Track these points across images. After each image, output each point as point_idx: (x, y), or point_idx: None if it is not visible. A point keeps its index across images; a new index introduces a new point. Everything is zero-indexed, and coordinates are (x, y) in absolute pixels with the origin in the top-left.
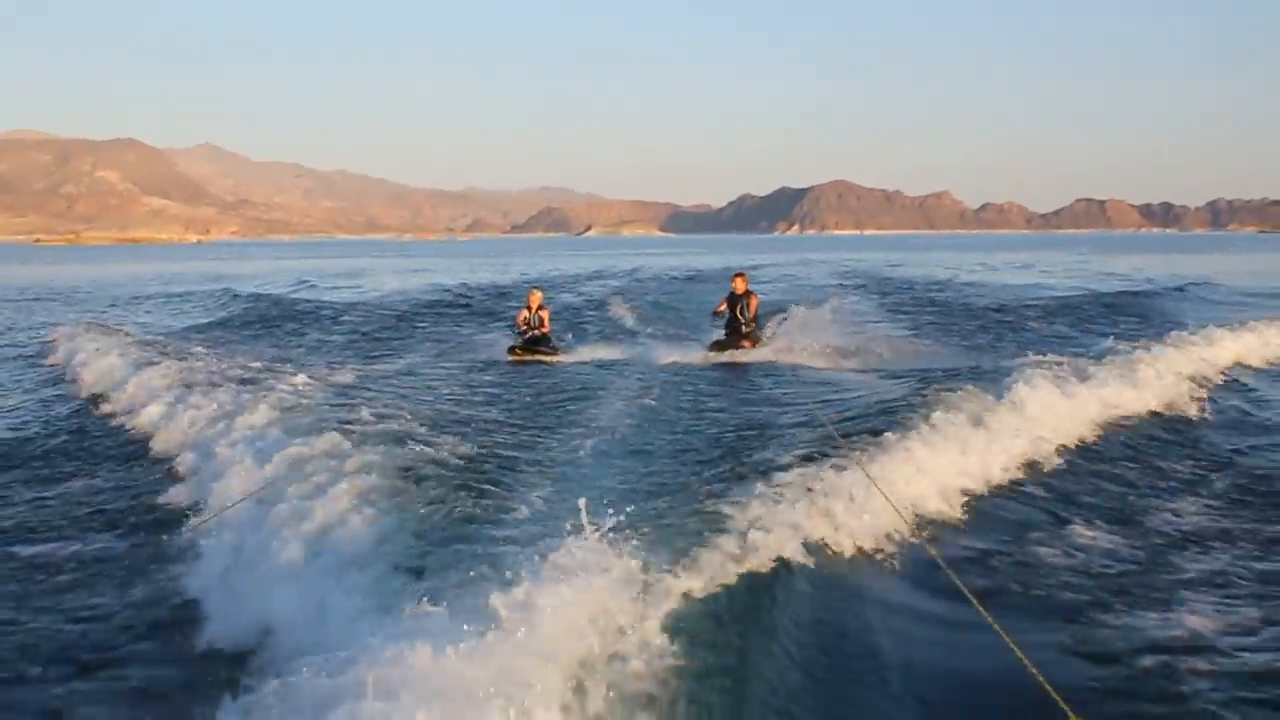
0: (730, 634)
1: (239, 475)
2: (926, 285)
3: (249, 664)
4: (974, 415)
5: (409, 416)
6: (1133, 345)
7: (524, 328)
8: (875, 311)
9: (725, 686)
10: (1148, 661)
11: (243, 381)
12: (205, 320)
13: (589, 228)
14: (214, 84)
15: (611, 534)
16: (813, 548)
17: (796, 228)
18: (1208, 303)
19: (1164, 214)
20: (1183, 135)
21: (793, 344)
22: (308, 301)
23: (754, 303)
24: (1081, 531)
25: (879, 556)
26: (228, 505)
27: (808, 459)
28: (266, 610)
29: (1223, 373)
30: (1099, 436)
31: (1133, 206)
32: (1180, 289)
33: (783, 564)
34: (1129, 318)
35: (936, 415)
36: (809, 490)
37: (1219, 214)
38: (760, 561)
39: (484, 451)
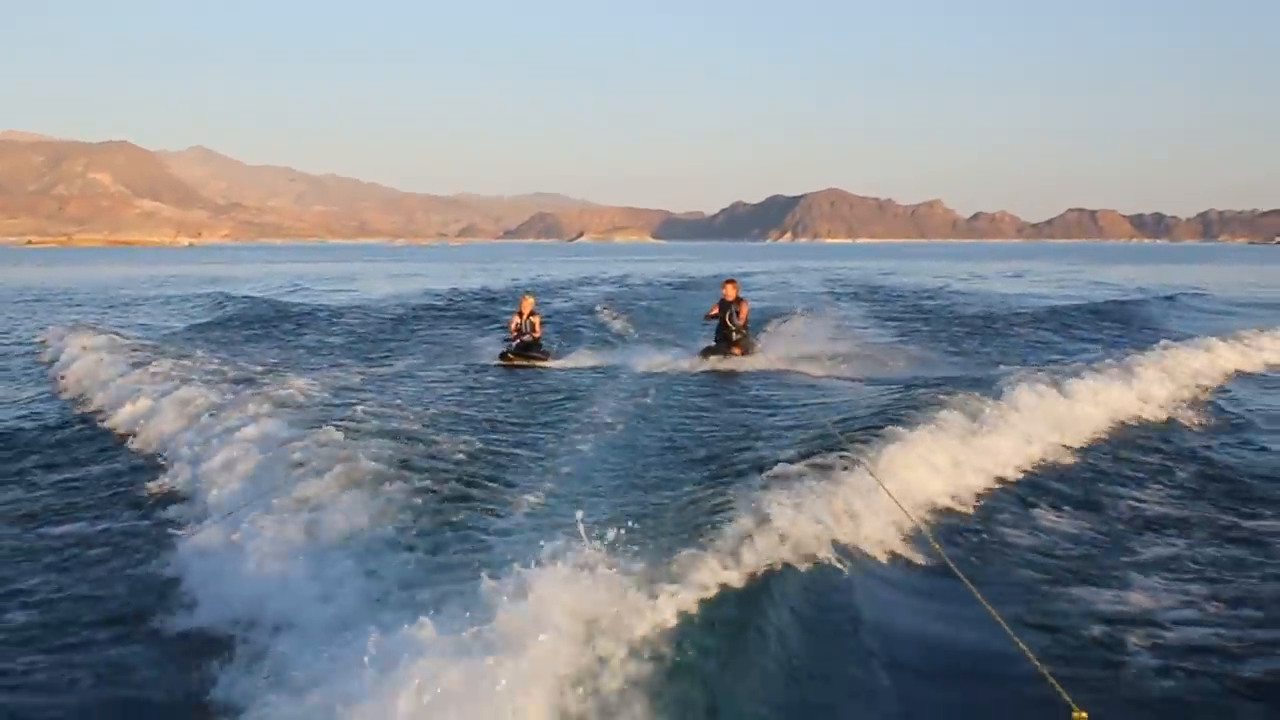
0: (727, 635)
1: (229, 476)
2: (917, 293)
3: (240, 662)
4: (964, 421)
5: (401, 420)
6: (1119, 353)
7: (516, 333)
8: (866, 319)
9: (722, 687)
10: (1121, 639)
11: (234, 383)
12: (197, 323)
13: (581, 234)
14: (206, 87)
15: (603, 536)
16: (809, 548)
17: (789, 235)
18: (1196, 312)
19: (1155, 224)
20: (1175, 146)
21: (783, 351)
22: (300, 305)
23: (744, 309)
24: (1067, 526)
25: (875, 557)
26: (219, 507)
27: (798, 462)
28: (257, 608)
29: (1208, 379)
30: (1091, 440)
31: (1124, 217)
32: (1169, 298)
33: (779, 565)
34: (1117, 325)
35: (928, 420)
36: (802, 492)
37: (1210, 225)
38: (756, 563)
39: (475, 455)
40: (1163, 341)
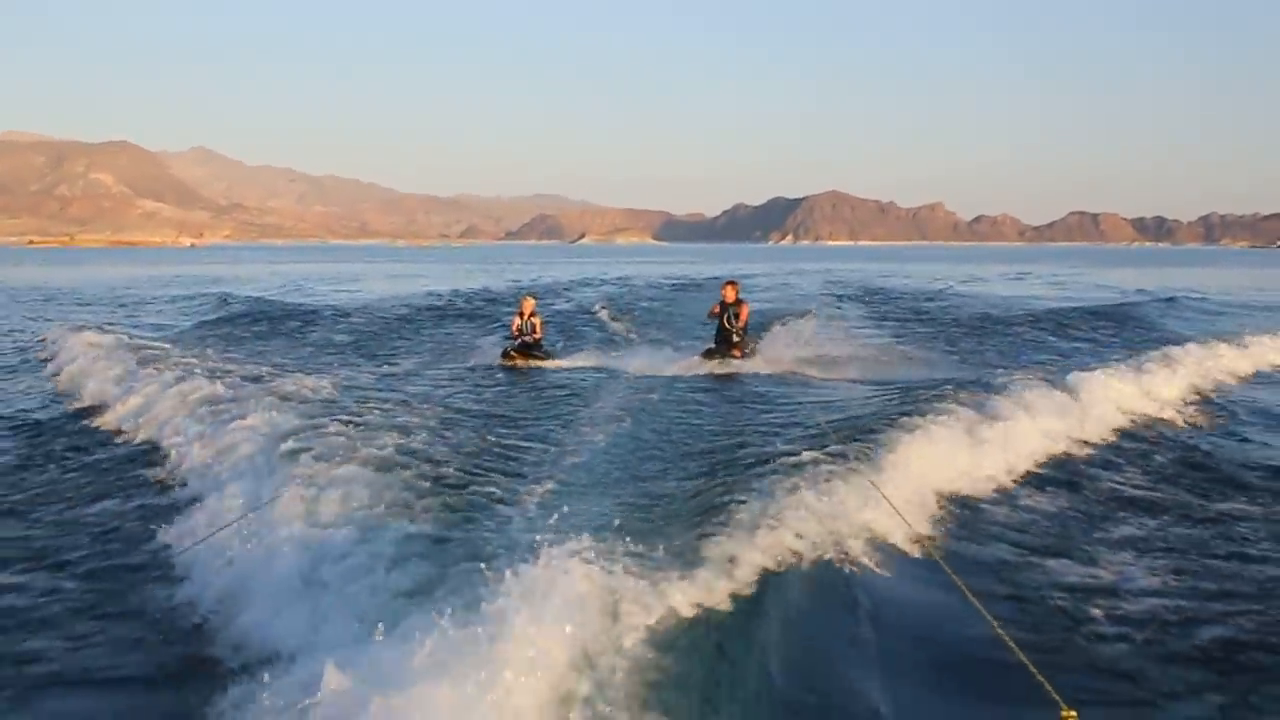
0: (722, 637)
1: (233, 473)
2: (919, 296)
3: (239, 665)
4: (964, 422)
5: (402, 420)
6: (1114, 353)
7: (517, 334)
8: (866, 321)
9: (717, 688)
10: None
11: (241, 382)
12: (205, 320)
13: (583, 235)
14: (207, 87)
15: (603, 534)
16: (805, 548)
17: (790, 238)
18: (1194, 314)
19: (1157, 228)
20: (1177, 150)
21: (783, 353)
22: (304, 305)
23: (744, 311)
24: (1058, 523)
25: (870, 557)
26: (223, 504)
27: (798, 466)
28: (256, 612)
29: (1202, 378)
30: (1087, 438)
31: (1126, 220)
32: (1168, 300)
33: (774, 565)
34: (1116, 327)
35: (925, 422)
36: (799, 493)
37: (1212, 228)
38: (752, 563)
39: (475, 456)
40: (1159, 344)
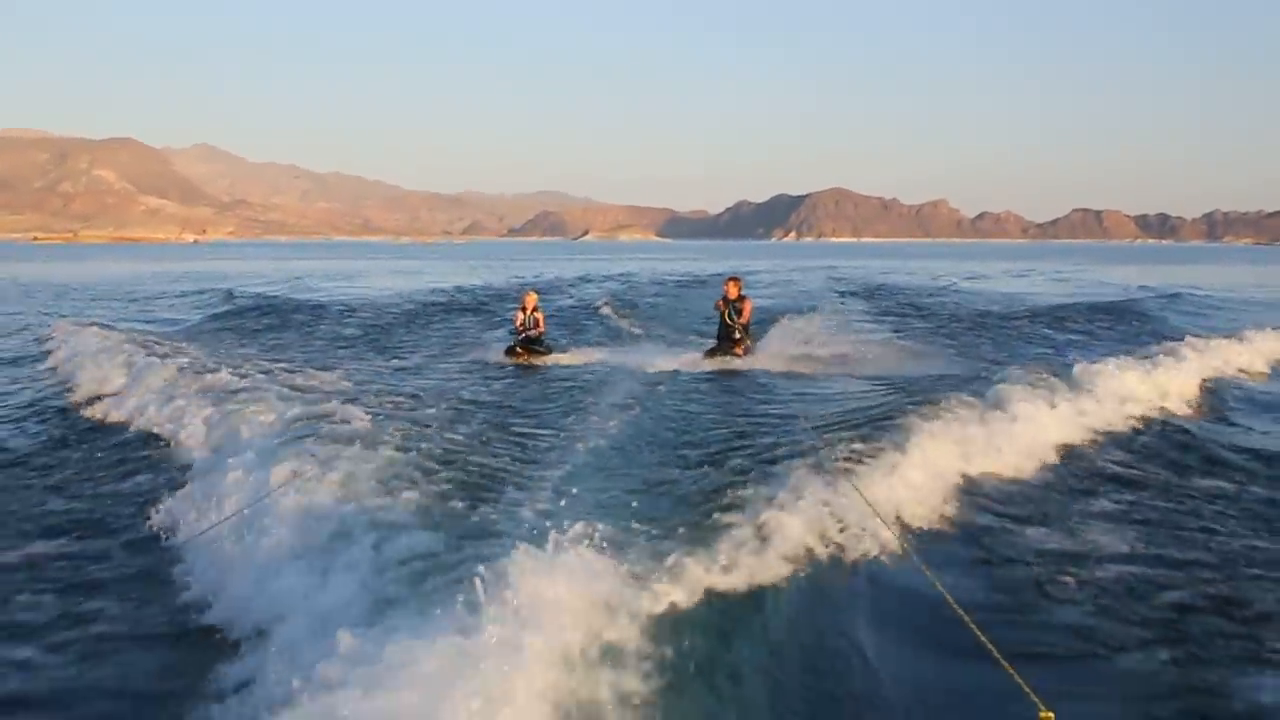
0: (717, 639)
1: (234, 471)
2: (921, 293)
3: (242, 658)
4: (963, 422)
5: (406, 415)
6: (1117, 348)
7: (520, 328)
8: (869, 318)
9: (709, 691)
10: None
11: (244, 377)
12: (209, 316)
13: (586, 232)
14: (211, 84)
15: (600, 536)
16: (801, 554)
17: (794, 234)
18: (1197, 311)
19: (1160, 225)
20: (1180, 147)
21: (785, 351)
22: (311, 301)
23: (747, 308)
24: (1078, 549)
25: (864, 562)
26: (228, 497)
27: (797, 467)
28: (261, 605)
29: (1202, 371)
30: (1083, 439)
31: (1129, 217)
32: (1170, 297)
33: (770, 569)
34: (1118, 323)
35: (926, 422)
36: (798, 497)
37: (1215, 226)
38: (749, 567)
39: (478, 450)
40: (1158, 338)
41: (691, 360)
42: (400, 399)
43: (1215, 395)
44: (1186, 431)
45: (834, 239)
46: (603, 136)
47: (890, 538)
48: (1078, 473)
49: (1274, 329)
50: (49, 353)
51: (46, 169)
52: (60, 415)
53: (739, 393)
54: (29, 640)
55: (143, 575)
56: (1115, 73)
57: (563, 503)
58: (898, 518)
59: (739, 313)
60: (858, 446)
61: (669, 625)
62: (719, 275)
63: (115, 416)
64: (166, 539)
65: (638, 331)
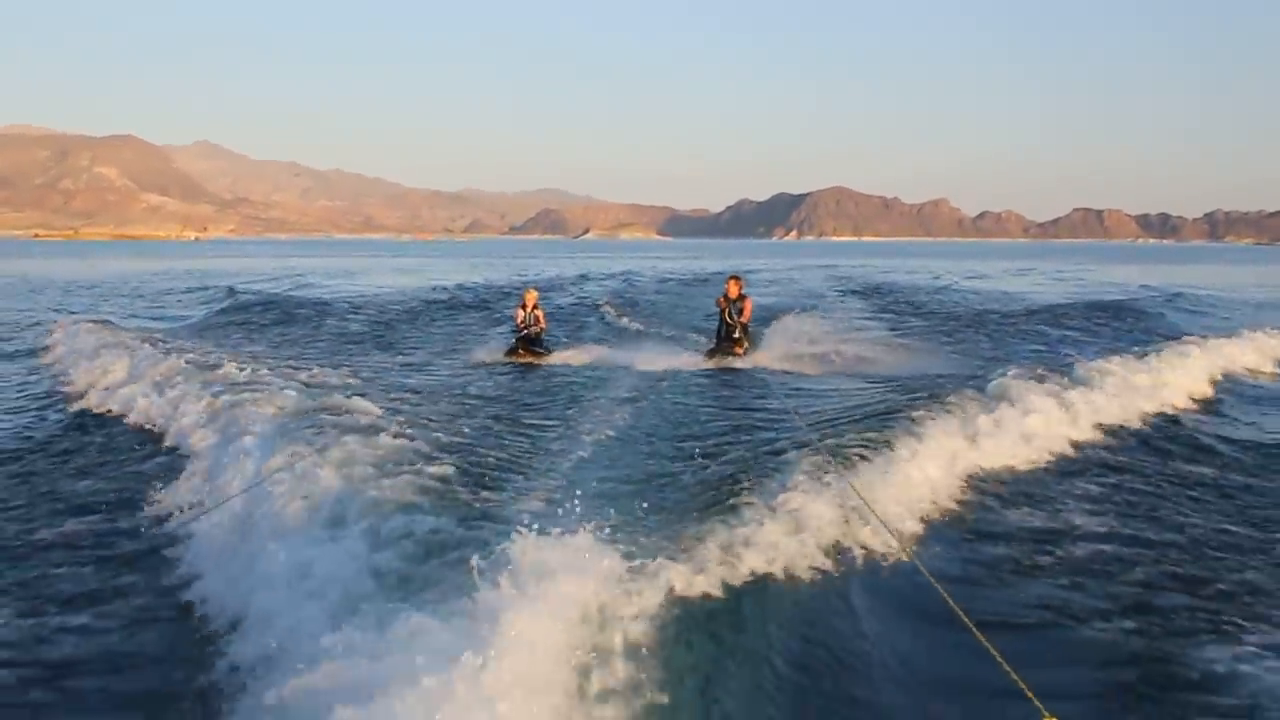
0: (714, 632)
1: (235, 467)
2: (921, 292)
3: (240, 656)
4: (962, 422)
5: (407, 413)
6: (1116, 348)
7: (521, 325)
8: (869, 318)
9: (707, 688)
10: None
11: (246, 374)
12: (208, 315)
13: (587, 230)
14: (212, 81)
15: (601, 533)
16: (800, 549)
17: (794, 233)
18: (1196, 310)
19: (1161, 225)
20: (1182, 146)
21: (785, 349)
22: (307, 299)
23: (747, 307)
24: (1059, 528)
25: (862, 562)
26: (223, 499)
27: (796, 464)
28: (260, 602)
29: (1199, 371)
30: (1077, 433)
31: (1130, 217)
32: (1171, 297)
33: (769, 568)
34: (1118, 323)
35: (924, 423)
36: (797, 494)
37: (1216, 225)
38: (746, 565)
39: (478, 448)
40: (1158, 337)
41: (692, 359)
42: (402, 394)
43: (1207, 390)
44: (1176, 422)
45: (835, 238)
46: (604, 135)
47: (888, 534)
48: (1069, 465)
49: (1272, 328)
50: (61, 348)
51: (47, 166)
52: (71, 407)
53: (739, 391)
54: (30, 618)
55: (143, 560)
56: (1117, 72)
57: (561, 496)
58: (895, 514)
59: (740, 312)
60: (856, 444)
61: (666, 619)
62: (720, 274)
63: (123, 409)
64: (169, 525)
65: (638, 329)
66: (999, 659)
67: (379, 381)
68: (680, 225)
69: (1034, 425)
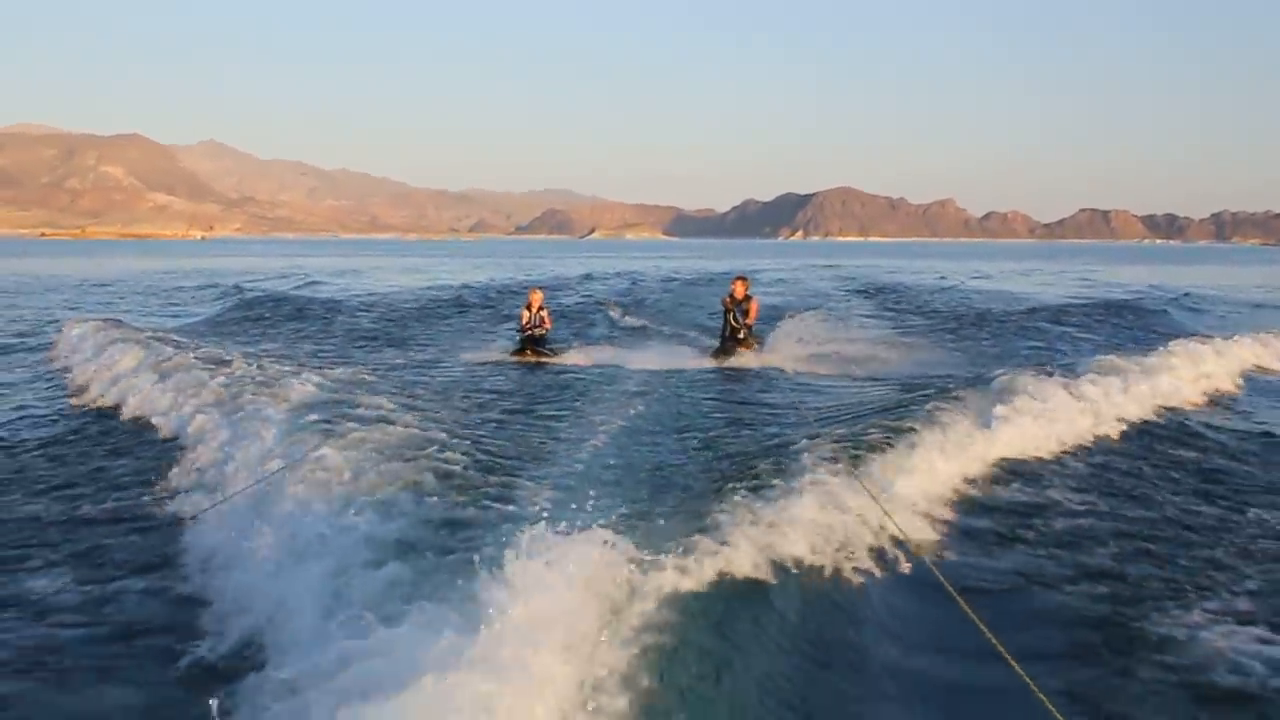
0: (720, 629)
1: (246, 460)
2: (927, 292)
3: (242, 657)
4: (967, 421)
5: (411, 413)
6: (1119, 346)
7: (526, 325)
8: (874, 317)
9: (710, 684)
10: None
11: (247, 378)
12: (219, 313)
13: (593, 230)
14: (219, 81)
15: (607, 528)
16: (804, 551)
17: (800, 233)
18: (1199, 309)
19: (1168, 225)
20: (1188, 147)
21: (791, 350)
22: (315, 298)
23: (753, 308)
24: (1061, 524)
25: (871, 559)
26: (227, 497)
27: (801, 462)
28: (264, 602)
29: (1207, 371)
30: (1086, 439)
31: (1137, 217)
32: (1176, 296)
33: (772, 567)
34: (1122, 323)
35: (931, 422)
36: (803, 492)
37: (1223, 226)
38: (750, 564)
39: (483, 447)
40: (1166, 337)
41: (697, 359)
42: (410, 390)
43: (1203, 385)
44: (1172, 415)
45: (841, 238)
46: (610, 135)
47: (895, 530)
48: (1069, 456)
49: (1266, 331)
50: (70, 345)
51: (54, 165)
52: (81, 403)
53: (745, 390)
54: (35, 620)
55: (146, 558)
56: (1123, 72)
57: (566, 493)
58: (902, 511)
59: (745, 313)
60: (861, 442)
61: (672, 613)
62: (726, 274)
63: (132, 404)
64: (181, 515)
65: (644, 329)
66: (1009, 659)
67: (386, 378)
68: (686, 225)
69: (1039, 424)
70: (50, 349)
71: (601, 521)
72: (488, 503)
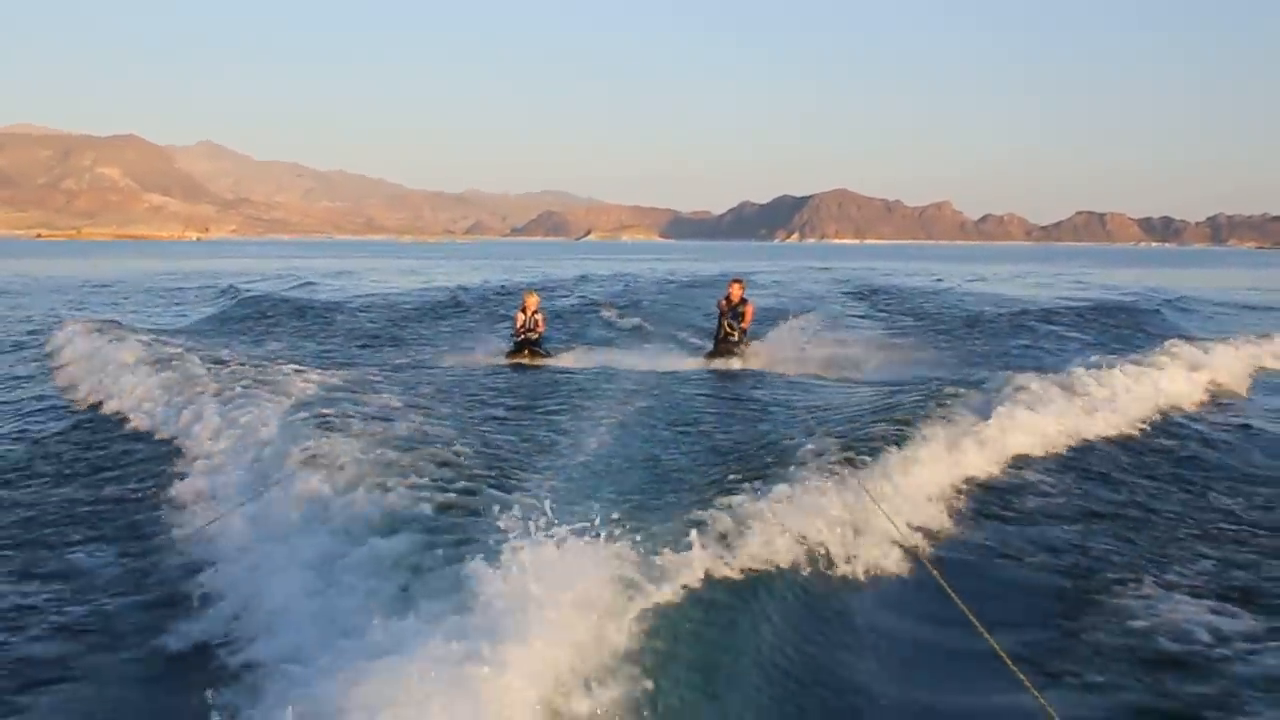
0: (716, 633)
1: (237, 472)
2: (921, 294)
3: (240, 665)
4: (964, 425)
5: (409, 412)
6: (1113, 348)
7: (521, 329)
8: (869, 319)
9: (707, 687)
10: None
11: (245, 378)
12: (209, 315)
13: (589, 232)
14: (215, 82)
15: (600, 534)
16: (799, 550)
17: (796, 236)
18: (1189, 309)
19: (1164, 228)
20: (1184, 150)
21: (786, 352)
22: (314, 299)
23: (749, 311)
24: (1059, 528)
25: (867, 558)
26: (223, 506)
27: (797, 464)
28: (262, 610)
29: (1200, 374)
30: (1082, 442)
31: (1133, 220)
32: (1169, 299)
33: (768, 566)
34: (1114, 325)
35: (927, 426)
36: (799, 494)
37: (1219, 229)
38: (750, 561)
39: (478, 450)
40: (1159, 339)
41: (693, 361)
42: (407, 392)
43: (1195, 384)
44: (1160, 407)
45: (837, 240)
46: (606, 136)
47: (891, 529)
48: (1065, 456)
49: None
50: (69, 348)
51: (50, 165)
52: (82, 406)
53: (740, 391)
54: (32, 636)
55: (145, 569)
56: (1119, 74)
57: (562, 494)
58: (897, 510)
59: (741, 315)
60: (855, 442)
61: (670, 615)
62: (721, 276)
63: (131, 408)
64: (173, 531)
65: (639, 331)
66: (1009, 663)
67: (384, 377)
68: (682, 227)
69: (1028, 419)
70: (47, 348)
71: (598, 521)
72: (484, 501)
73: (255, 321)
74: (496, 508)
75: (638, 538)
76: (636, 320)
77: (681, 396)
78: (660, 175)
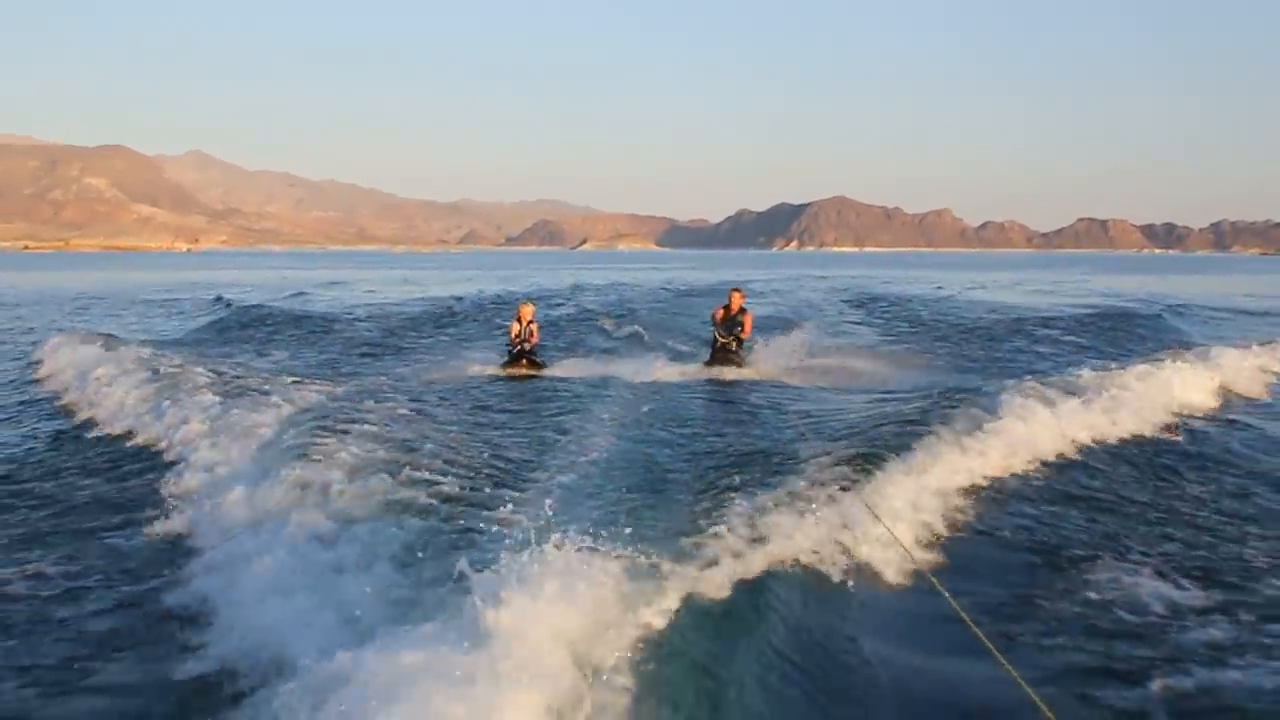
0: (716, 641)
1: (232, 485)
2: (921, 303)
3: (238, 679)
4: (963, 432)
5: (402, 429)
6: (1118, 362)
7: (516, 339)
8: (867, 328)
9: (707, 695)
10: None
11: (239, 390)
12: (199, 327)
13: (584, 241)
14: (204, 91)
15: (598, 544)
16: (799, 559)
17: (795, 244)
18: (1187, 312)
19: (1166, 235)
20: (1187, 156)
21: (783, 361)
22: (307, 311)
23: (748, 321)
24: (1058, 528)
25: (866, 567)
26: (219, 517)
27: (795, 473)
28: (258, 624)
29: (1203, 380)
30: (1080, 449)
31: (1135, 226)
32: (1171, 306)
33: (766, 575)
34: (1111, 330)
35: (924, 431)
36: (797, 502)
37: (1222, 235)
38: (747, 569)
39: (474, 461)
40: (1162, 346)
41: (690, 370)
42: (402, 403)
43: (1191, 386)
44: (1160, 413)
45: (836, 249)
46: (602, 145)
47: (889, 538)
48: (1083, 495)
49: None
50: (58, 362)
51: (37, 176)
52: (74, 421)
53: (737, 401)
54: (25, 651)
55: (135, 573)
56: (1121, 80)
57: (561, 503)
58: (895, 518)
59: (740, 325)
60: (855, 451)
61: (667, 623)
62: (719, 285)
63: (120, 421)
64: (170, 534)
65: (635, 339)
66: (1006, 666)
67: (378, 395)
68: (679, 236)
69: (1029, 425)
70: (39, 367)
71: (597, 530)
72: (483, 513)
73: (252, 333)
74: (495, 518)
75: (637, 547)
76: (633, 329)
77: (680, 405)
78: (657, 183)
